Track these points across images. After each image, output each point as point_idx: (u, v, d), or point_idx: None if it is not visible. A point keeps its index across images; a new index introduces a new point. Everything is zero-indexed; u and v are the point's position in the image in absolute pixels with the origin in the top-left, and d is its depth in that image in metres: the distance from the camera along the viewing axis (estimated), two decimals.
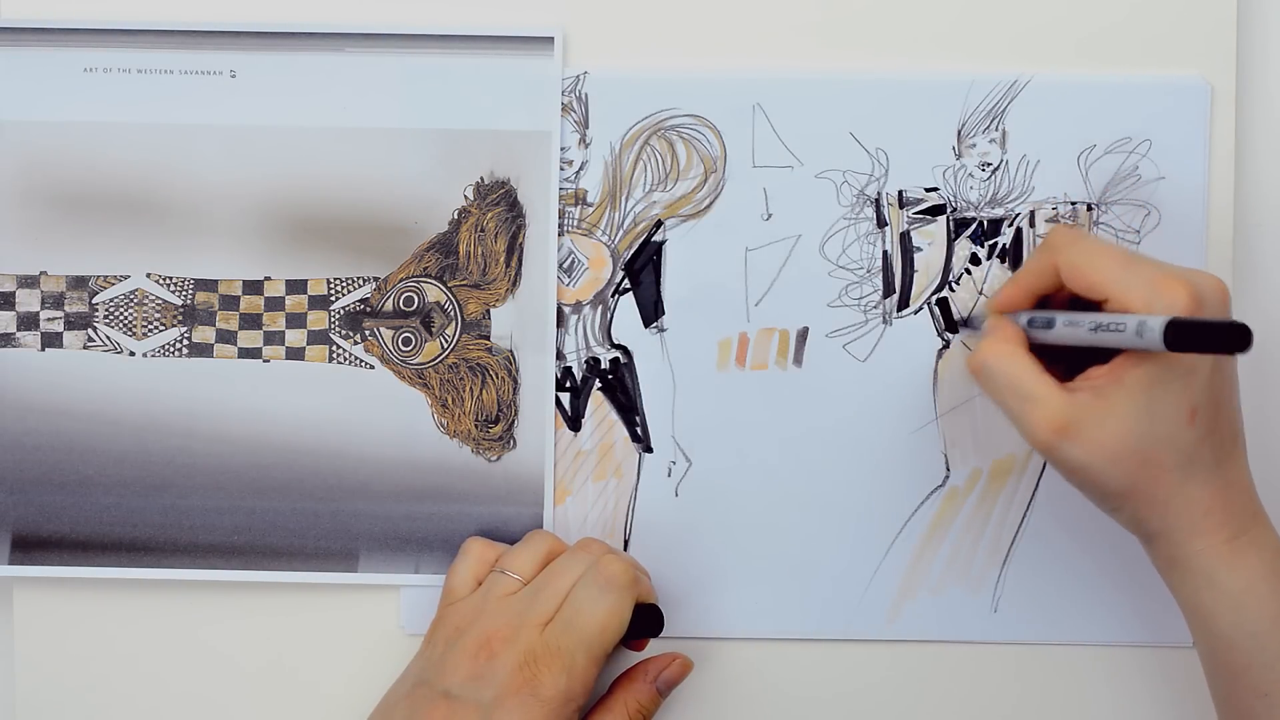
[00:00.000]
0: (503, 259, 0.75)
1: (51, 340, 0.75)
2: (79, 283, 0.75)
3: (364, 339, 0.75)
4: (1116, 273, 0.65)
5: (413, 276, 0.75)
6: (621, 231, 0.76)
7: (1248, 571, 0.65)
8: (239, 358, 0.75)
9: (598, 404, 0.76)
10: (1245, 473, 0.67)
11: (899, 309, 0.76)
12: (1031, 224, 0.76)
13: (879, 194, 0.76)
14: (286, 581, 0.75)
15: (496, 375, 0.75)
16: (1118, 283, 0.64)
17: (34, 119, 0.75)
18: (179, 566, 0.75)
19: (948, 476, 0.76)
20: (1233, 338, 0.61)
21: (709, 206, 0.76)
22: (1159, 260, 0.66)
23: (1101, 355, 0.65)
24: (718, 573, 0.76)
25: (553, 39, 0.75)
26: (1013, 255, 0.76)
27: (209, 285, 0.75)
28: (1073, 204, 0.76)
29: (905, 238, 0.76)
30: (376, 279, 0.75)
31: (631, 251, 0.76)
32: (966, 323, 0.75)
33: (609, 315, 0.76)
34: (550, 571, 0.71)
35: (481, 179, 0.75)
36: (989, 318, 0.70)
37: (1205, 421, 0.65)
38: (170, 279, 0.75)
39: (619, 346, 0.76)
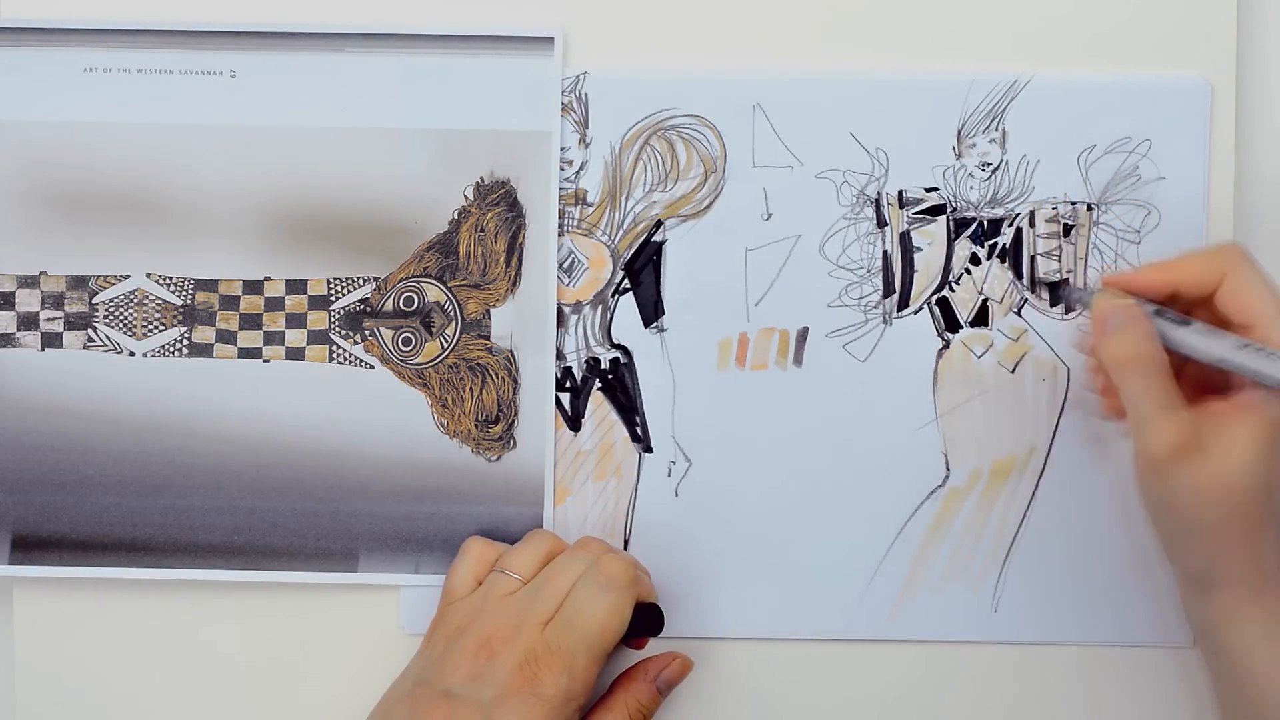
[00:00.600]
0: (503, 259, 0.75)
1: (51, 340, 0.75)
2: (79, 283, 0.75)
3: (364, 339, 0.75)
4: (1278, 307, 0.65)
5: (413, 276, 0.75)
6: (621, 231, 0.76)
7: None
8: (239, 358, 0.75)
9: (598, 404, 0.76)
10: None
11: (899, 309, 0.76)
12: (1031, 224, 0.76)
13: (879, 194, 0.76)
14: (286, 581, 0.75)
15: (496, 375, 0.75)
16: (1275, 315, 0.64)
17: (34, 119, 0.75)
18: (179, 566, 0.75)
19: (948, 476, 0.76)
20: None
21: (709, 206, 0.76)
22: None
23: (1214, 386, 0.65)
24: (718, 573, 0.76)
25: (553, 39, 0.75)
26: (1013, 255, 0.76)
27: (209, 285, 0.75)
28: (1073, 204, 0.76)
29: (905, 238, 0.76)
30: (376, 279, 0.75)
31: (631, 251, 0.76)
32: (1062, 294, 0.74)
33: (609, 315, 0.76)
34: (550, 571, 0.71)
35: (481, 179, 0.75)
36: (1110, 296, 0.67)
37: None
38: (170, 279, 0.75)
39: (619, 346, 0.76)
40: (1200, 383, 0.67)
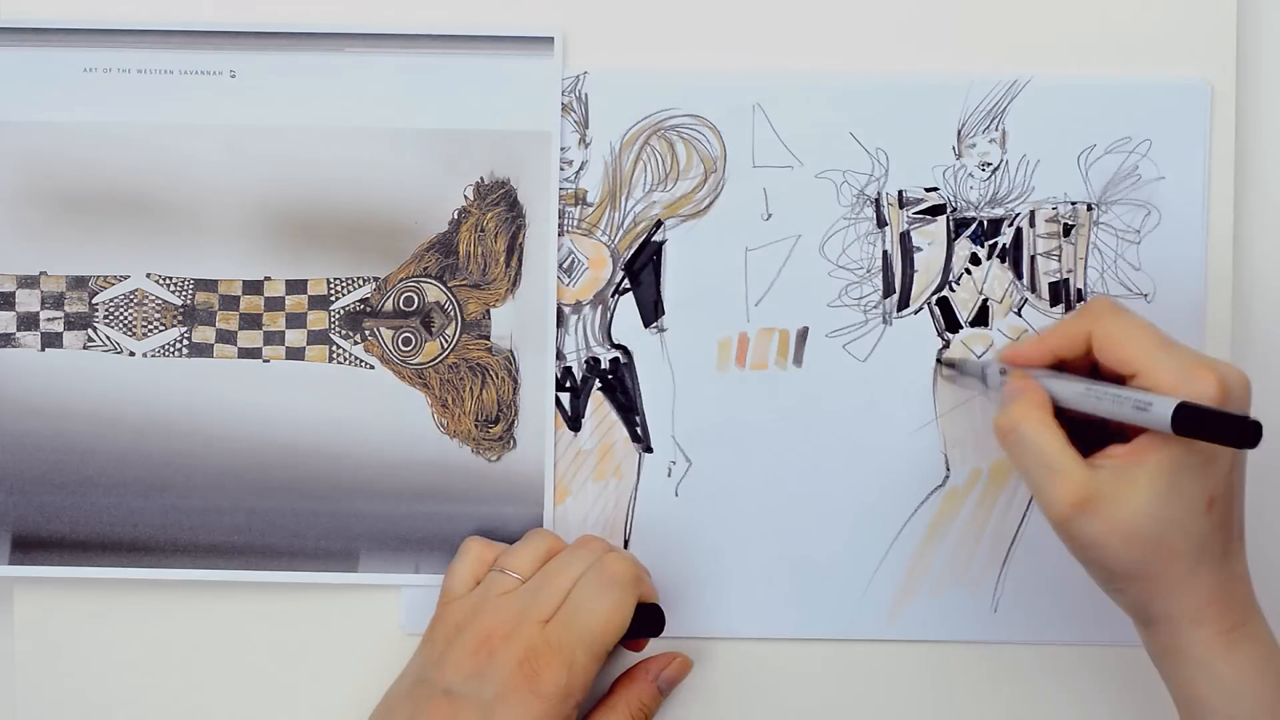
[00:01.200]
0: (503, 259, 0.75)
1: (51, 340, 0.75)
2: (79, 283, 0.75)
3: (364, 339, 0.75)
4: (1152, 351, 0.65)
5: (413, 276, 0.75)
6: (621, 231, 0.76)
7: (1244, 663, 0.64)
8: (239, 358, 0.75)
9: (598, 404, 0.76)
10: (1245, 566, 0.66)
11: (899, 309, 0.76)
12: (1031, 224, 0.76)
13: (879, 194, 0.76)
14: (286, 581, 0.75)
15: (496, 375, 0.75)
16: (1151, 360, 0.64)
17: (34, 119, 0.75)
18: (179, 566, 0.75)
19: (948, 476, 0.76)
20: (1244, 432, 0.61)
21: (709, 206, 0.76)
22: (1189, 347, 0.65)
23: (1121, 433, 0.65)
24: (718, 573, 0.76)
25: (553, 39, 0.75)
26: (1013, 255, 0.76)
27: (209, 285, 0.75)
28: (1073, 204, 0.76)
29: (905, 238, 0.76)
30: (376, 279, 0.75)
31: (631, 251, 0.76)
32: (959, 367, 0.75)
33: (609, 315, 0.76)
34: (551, 569, 0.71)
35: (481, 179, 0.75)
36: (1009, 371, 0.70)
37: (1220, 512, 0.64)
38: (170, 279, 0.75)
39: (619, 346, 0.76)
40: (1107, 434, 0.67)
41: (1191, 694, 0.66)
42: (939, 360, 0.75)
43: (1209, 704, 0.65)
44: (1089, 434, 0.66)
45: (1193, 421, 0.61)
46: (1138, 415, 0.63)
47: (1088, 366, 0.68)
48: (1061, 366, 0.69)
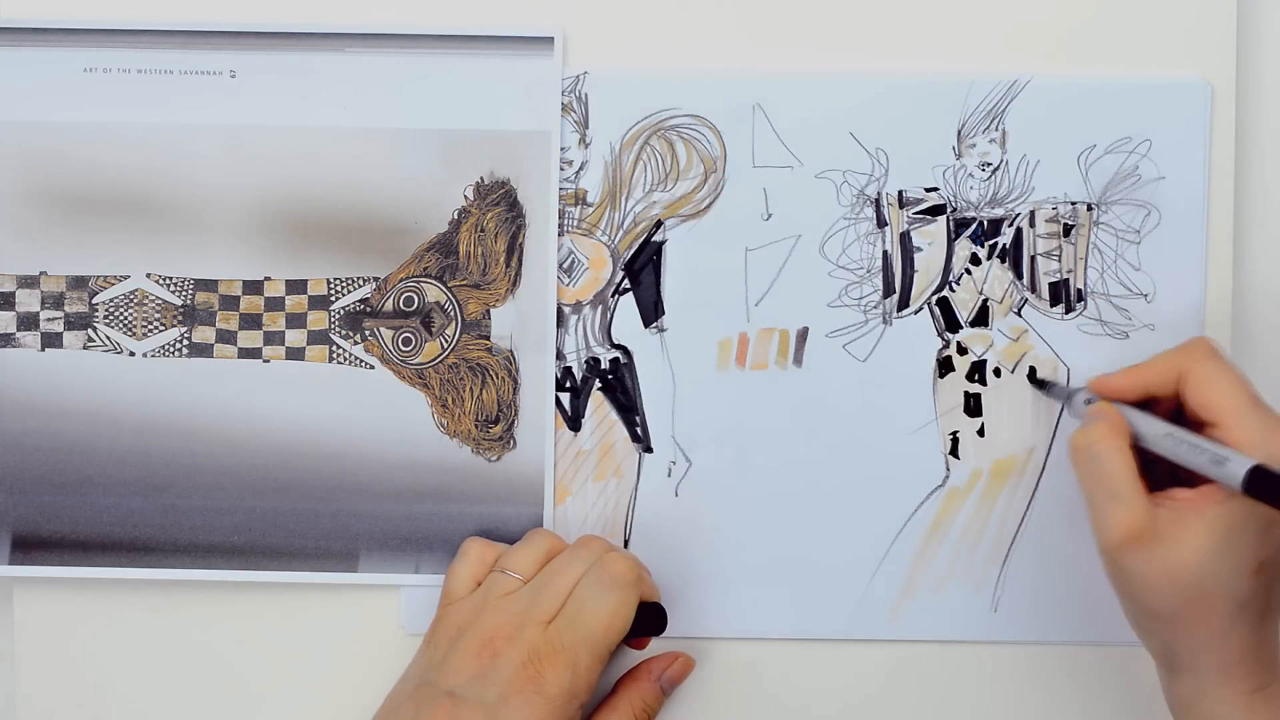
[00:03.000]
0: (503, 259, 0.75)
1: (51, 340, 0.75)
2: (79, 283, 0.75)
3: (364, 339, 0.75)
4: (1240, 405, 0.65)
5: (413, 276, 0.75)
6: (621, 231, 0.76)
7: None
8: (239, 358, 0.75)
9: (598, 404, 0.76)
10: (1277, 630, 0.66)
11: (899, 309, 0.76)
12: (1031, 224, 0.76)
13: (879, 194, 0.76)
14: (286, 581, 0.75)
15: (496, 375, 0.75)
16: (1236, 414, 0.65)
17: (34, 119, 0.75)
18: (179, 566, 0.75)
19: (948, 476, 0.76)
20: None
21: (709, 206, 0.76)
22: (1276, 410, 0.66)
23: (1189, 478, 0.65)
24: (718, 573, 0.76)
25: (553, 39, 0.75)
26: (1013, 255, 0.76)
27: (209, 285, 0.75)
28: (1073, 204, 0.76)
29: (905, 238, 0.76)
30: (376, 279, 0.75)
31: (631, 251, 0.76)
32: (1049, 388, 0.75)
33: (609, 315, 0.76)
34: (552, 569, 0.71)
35: (481, 179, 0.75)
36: (1095, 400, 0.70)
37: (1268, 577, 0.64)
38: (170, 279, 0.75)
39: (619, 346, 0.76)
40: (1174, 475, 0.67)
41: None
42: (1030, 379, 0.75)
43: None
44: (1158, 471, 0.67)
45: (1264, 485, 0.61)
46: (1212, 468, 0.63)
47: (1174, 404, 0.68)
48: (1149, 400, 0.69)
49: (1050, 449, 0.76)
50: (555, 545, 0.73)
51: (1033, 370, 0.76)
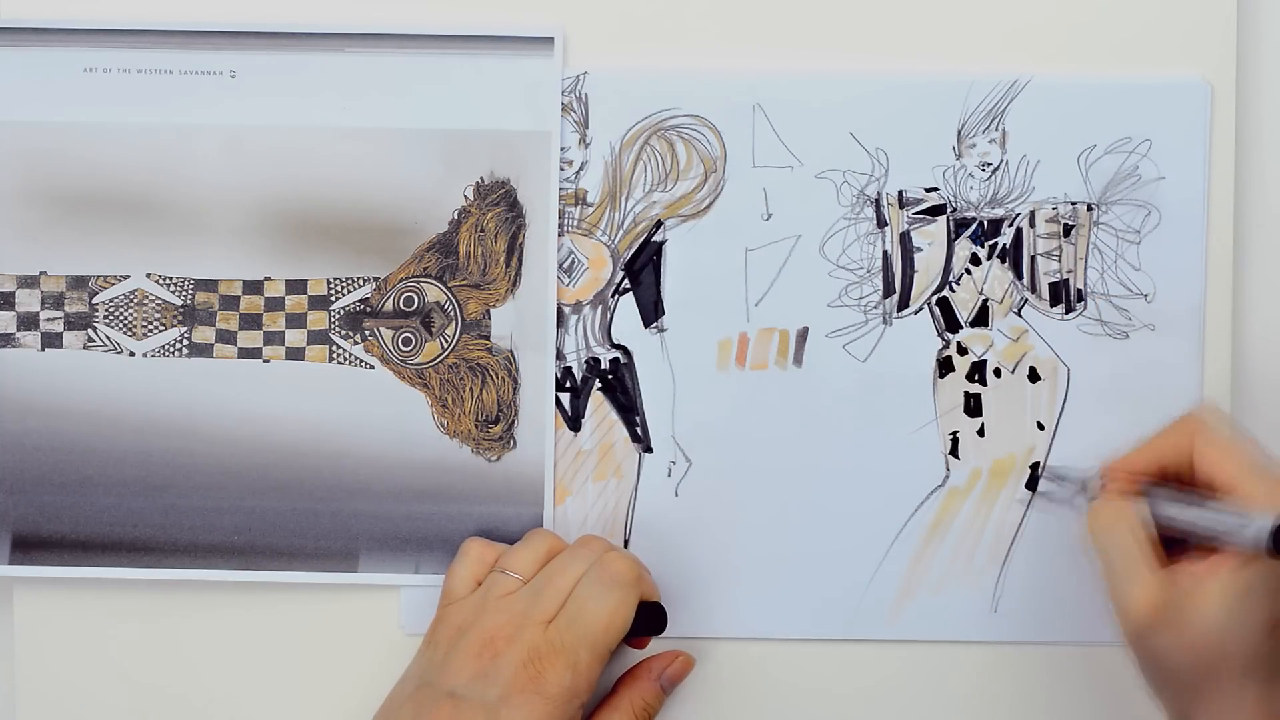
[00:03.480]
0: (503, 259, 0.75)
1: (51, 340, 0.75)
2: (79, 283, 0.75)
3: (364, 339, 0.75)
4: (1251, 469, 0.65)
5: (413, 276, 0.75)
6: (621, 231, 0.76)
7: None
8: (239, 358, 0.75)
9: (598, 404, 0.76)
10: None
11: (899, 309, 0.76)
12: (1031, 224, 0.76)
13: (879, 194, 0.76)
14: (286, 581, 0.75)
15: (496, 375, 0.75)
16: (1248, 479, 0.65)
17: (34, 119, 0.75)
18: (179, 566, 0.75)
19: (948, 476, 0.76)
20: None
21: (709, 206, 0.76)
22: None
23: (1202, 546, 0.66)
24: (718, 572, 0.76)
25: (553, 39, 0.75)
26: (1013, 255, 0.76)
27: (209, 285, 0.75)
28: (1073, 204, 0.76)
29: (905, 238, 0.76)
30: (376, 279, 0.75)
31: (631, 251, 0.76)
32: (1058, 478, 0.75)
33: (609, 315, 0.76)
34: (552, 569, 0.71)
35: (481, 179, 0.75)
36: (1107, 477, 0.70)
37: None
38: (170, 279, 0.75)
39: (619, 346, 0.76)
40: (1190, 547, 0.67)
41: None
42: (1040, 476, 0.76)
43: None
44: (1172, 543, 0.67)
45: None
46: (1233, 532, 0.64)
47: (1189, 473, 0.68)
48: (1164, 474, 0.69)
49: (1050, 449, 0.76)
50: (555, 545, 0.73)
51: (1033, 476, 0.75)
